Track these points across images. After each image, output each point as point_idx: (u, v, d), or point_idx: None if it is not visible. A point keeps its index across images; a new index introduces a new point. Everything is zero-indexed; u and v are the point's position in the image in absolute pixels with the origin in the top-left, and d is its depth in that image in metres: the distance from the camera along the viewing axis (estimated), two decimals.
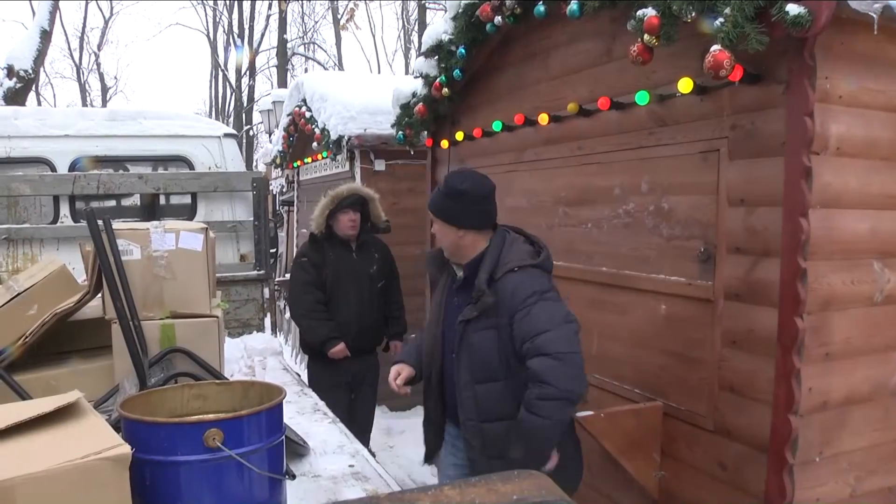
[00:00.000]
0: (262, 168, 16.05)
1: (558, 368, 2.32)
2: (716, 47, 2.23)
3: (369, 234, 4.46)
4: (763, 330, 2.43)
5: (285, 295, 9.42)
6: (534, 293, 2.43)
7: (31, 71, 10.59)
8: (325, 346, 4.25)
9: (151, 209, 4.88)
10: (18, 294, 2.60)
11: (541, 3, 3.20)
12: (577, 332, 2.43)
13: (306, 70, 25.55)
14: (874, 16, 2.14)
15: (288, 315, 9.15)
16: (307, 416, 2.84)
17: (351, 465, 2.25)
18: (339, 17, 24.12)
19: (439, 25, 4.10)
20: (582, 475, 2.68)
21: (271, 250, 8.71)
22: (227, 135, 4.86)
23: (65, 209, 4.45)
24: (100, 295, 2.48)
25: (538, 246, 2.61)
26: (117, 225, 2.45)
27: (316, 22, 28.54)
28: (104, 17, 29.24)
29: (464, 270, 2.60)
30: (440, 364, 2.68)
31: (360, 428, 4.26)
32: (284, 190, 11.89)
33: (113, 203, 5.18)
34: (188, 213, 4.67)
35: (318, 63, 26.06)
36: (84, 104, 28.06)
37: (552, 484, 0.62)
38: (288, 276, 9.60)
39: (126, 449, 1.33)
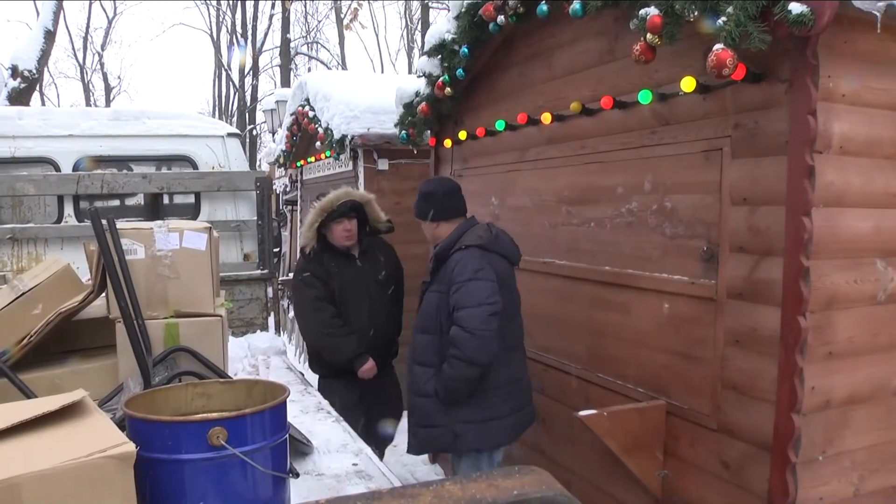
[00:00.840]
0: (265, 167, 16.05)
1: (468, 340, 2.94)
2: (718, 46, 2.23)
3: (372, 238, 4.10)
4: (766, 329, 2.43)
5: (289, 294, 9.43)
6: (467, 271, 3.02)
7: (35, 71, 10.63)
8: (354, 365, 3.90)
9: (155, 209, 4.89)
10: (23, 293, 2.62)
11: (543, 2, 3.20)
12: (492, 313, 2.96)
13: (309, 69, 25.57)
14: (877, 14, 2.14)
15: (292, 314, 9.17)
16: (311, 414, 2.85)
17: (354, 464, 2.26)
18: (342, 16, 24.13)
19: (442, 25, 4.10)
20: (504, 440, 3.19)
21: (275, 249, 8.74)
22: (230, 134, 4.88)
23: (69, 209, 4.47)
24: (104, 294, 2.49)
25: (494, 233, 3.22)
26: (121, 224, 2.46)
27: (319, 21, 28.53)
28: (108, 17, 29.44)
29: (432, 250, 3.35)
30: None
31: (379, 448, 3.99)
32: (288, 189, 11.90)
33: (117, 203, 5.20)
34: (192, 212, 4.69)
35: (322, 62, 26.10)
36: (88, 104, 28.12)
37: (552, 479, 0.63)
38: (292, 275, 9.64)
39: (130, 447, 1.34)
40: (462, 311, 2.96)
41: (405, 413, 3.85)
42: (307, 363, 4.26)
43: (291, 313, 9.25)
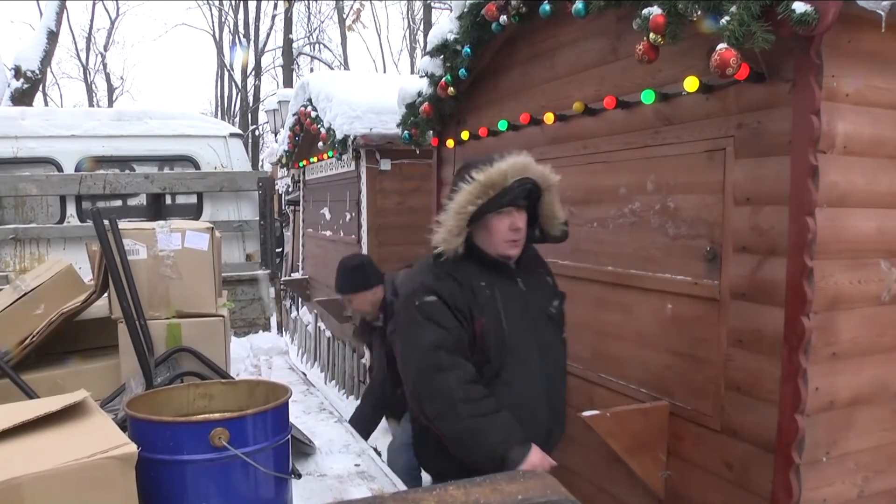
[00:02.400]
0: (268, 168, 16.09)
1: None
2: (722, 46, 2.22)
3: (529, 245, 2.58)
4: (769, 329, 2.42)
5: (291, 295, 9.41)
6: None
7: (38, 72, 10.66)
8: (507, 460, 2.18)
9: (157, 209, 4.90)
10: (25, 294, 2.62)
11: (546, 2, 3.19)
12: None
13: (312, 70, 25.58)
14: (882, 13, 2.13)
15: (295, 314, 9.13)
16: (313, 415, 2.84)
17: (357, 465, 2.25)
18: (344, 16, 24.14)
19: (445, 25, 4.10)
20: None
21: (277, 250, 8.74)
22: (232, 134, 4.89)
23: (71, 209, 4.48)
24: (106, 294, 2.49)
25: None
26: (123, 225, 2.46)
27: (321, 21, 28.53)
28: (110, 17, 29.30)
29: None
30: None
31: None
32: (290, 189, 11.92)
33: (119, 203, 5.21)
34: (194, 212, 4.70)
35: (324, 63, 26.09)
36: (91, 104, 28.18)
37: (557, 483, 0.62)
38: (296, 275, 9.58)
39: (132, 448, 1.33)
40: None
41: None
42: (421, 455, 2.71)
43: (295, 313, 9.19)
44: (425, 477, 3.79)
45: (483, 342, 2.33)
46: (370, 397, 4.05)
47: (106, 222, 2.33)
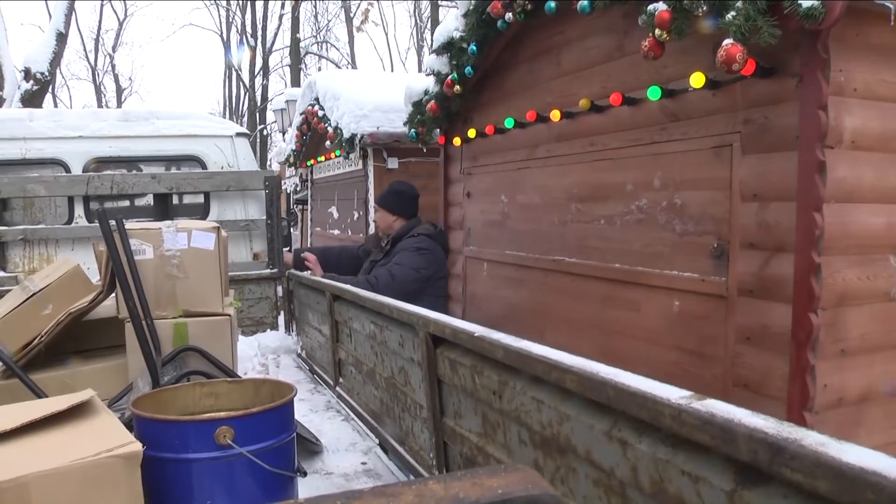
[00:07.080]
0: (276, 167, 16.10)
1: (386, 280, 3.81)
2: (728, 41, 2.21)
3: None
4: (777, 326, 2.40)
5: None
6: (411, 248, 3.95)
7: (47, 73, 10.70)
8: None
9: (164, 209, 4.92)
10: (34, 294, 2.64)
11: None
12: (416, 279, 3.91)
13: (319, 69, 25.61)
14: (890, 6, 2.12)
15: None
16: (320, 413, 2.85)
17: (363, 463, 2.25)
18: (351, 15, 24.16)
19: (450, 23, 4.09)
20: None
21: (284, 248, 8.73)
22: (238, 134, 4.89)
23: (79, 210, 4.50)
24: (114, 294, 2.50)
25: (438, 228, 4.29)
26: (130, 225, 2.47)
27: (329, 21, 28.55)
28: (118, 18, 29.49)
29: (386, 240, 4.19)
30: None
31: None
32: (298, 188, 11.93)
33: (127, 203, 5.23)
34: (201, 212, 4.71)
35: (332, 62, 26.12)
36: (99, 105, 28.34)
37: (539, 477, 0.62)
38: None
39: (137, 446, 1.34)
40: (395, 267, 3.88)
41: None
42: None
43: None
44: None
45: None
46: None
47: (112, 222, 2.34)
